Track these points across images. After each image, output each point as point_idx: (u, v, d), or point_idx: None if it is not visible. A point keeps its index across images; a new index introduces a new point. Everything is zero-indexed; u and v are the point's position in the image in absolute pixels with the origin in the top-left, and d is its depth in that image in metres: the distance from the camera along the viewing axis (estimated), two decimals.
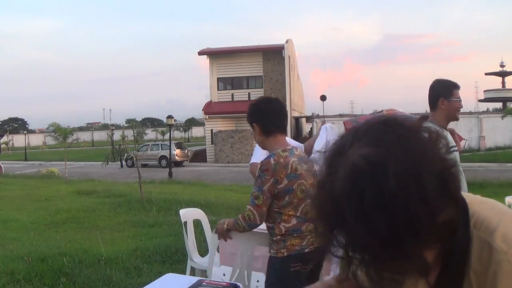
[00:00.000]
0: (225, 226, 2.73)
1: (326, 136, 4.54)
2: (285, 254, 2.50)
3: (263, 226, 2.68)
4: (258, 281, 3.38)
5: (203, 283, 2.10)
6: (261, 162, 2.58)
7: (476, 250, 0.82)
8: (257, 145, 4.17)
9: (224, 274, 3.56)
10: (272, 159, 2.49)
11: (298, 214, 2.52)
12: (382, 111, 3.19)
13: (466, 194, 0.90)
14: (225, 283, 2.10)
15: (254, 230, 2.72)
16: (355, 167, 0.73)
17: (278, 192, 2.49)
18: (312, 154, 4.56)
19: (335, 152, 0.78)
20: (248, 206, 2.56)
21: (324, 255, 0.80)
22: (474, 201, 0.88)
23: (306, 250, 2.49)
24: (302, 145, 4.52)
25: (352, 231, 0.73)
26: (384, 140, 0.74)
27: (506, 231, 0.81)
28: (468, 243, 0.83)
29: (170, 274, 3.04)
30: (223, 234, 2.78)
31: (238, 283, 2.16)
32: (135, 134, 14.79)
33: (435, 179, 0.73)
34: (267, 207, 2.51)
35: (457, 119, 3.10)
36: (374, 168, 0.71)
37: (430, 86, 3.09)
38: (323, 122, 4.78)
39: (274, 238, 2.55)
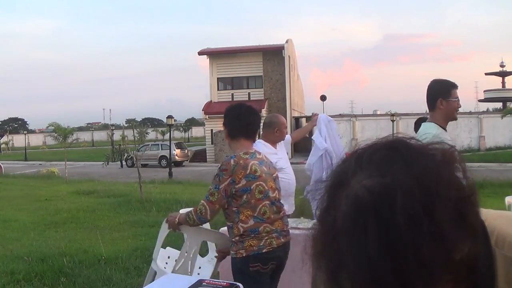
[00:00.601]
0: (176, 219, 2.86)
1: (325, 129, 4.53)
2: (244, 255, 2.60)
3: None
4: (200, 267, 3.46)
5: (203, 283, 2.09)
6: (222, 161, 2.72)
7: (502, 271, 0.76)
8: (259, 144, 4.18)
9: (168, 257, 3.69)
10: (232, 160, 2.62)
11: (255, 215, 2.61)
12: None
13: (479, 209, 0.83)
14: (225, 283, 2.10)
15: (203, 226, 2.91)
16: (358, 200, 0.63)
17: (236, 191, 2.59)
18: (312, 152, 4.59)
19: (336, 182, 0.69)
20: (202, 201, 2.66)
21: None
22: (491, 216, 0.80)
23: (264, 251, 2.59)
24: (289, 136, 4.53)
25: (353, 275, 0.64)
26: (390, 168, 0.64)
27: None
28: (492, 266, 0.75)
29: (170, 274, 3.04)
30: (174, 226, 2.92)
31: (238, 284, 2.16)
32: (137, 135, 14.78)
33: (451, 211, 0.63)
34: (220, 205, 2.62)
35: (455, 118, 3.10)
36: (380, 201, 0.62)
37: (428, 87, 3.09)
38: (315, 114, 4.76)
39: (233, 239, 2.65)
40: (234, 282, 2.18)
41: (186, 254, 3.24)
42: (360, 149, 0.70)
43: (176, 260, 3.30)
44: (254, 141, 2.92)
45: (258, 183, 2.62)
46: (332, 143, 4.48)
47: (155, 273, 3.33)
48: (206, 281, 2.13)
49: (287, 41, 33.53)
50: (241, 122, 2.86)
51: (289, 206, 4.26)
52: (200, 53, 35.04)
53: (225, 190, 2.59)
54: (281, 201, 2.84)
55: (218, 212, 2.68)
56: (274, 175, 2.80)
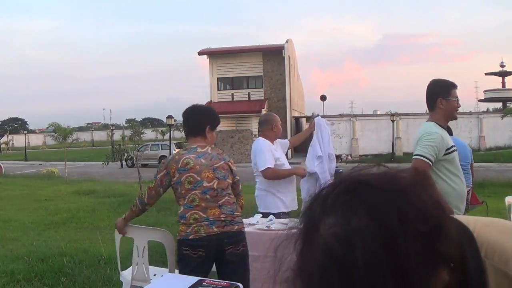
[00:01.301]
0: (123, 217, 3.27)
1: (320, 133, 4.52)
2: (178, 238, 2.91)
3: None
4: (155, 274, 3.50)
5: (203, 283, 2.09)
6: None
7: (493, 282, 0.75)
8: (262, 147, 4.21)
9: (154, 274, 3.58)
10: (171, 156, 3.11)
11: (185, 202, 2.90)
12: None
13: (468, 218, 0.83)
14: (225, 283, 2.10)
15: (149, 226, 3.10)
16: (329, 250, 0.63)
17: (173, 184, 2.96)
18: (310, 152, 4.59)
19: (307, 227, 0.68)
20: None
21: None
22: (480, 226, 0.80)
23: (190, 237, 2.82)
24: (287, 140, 4.56)
25: None
26: (352, 214, 0.63)
27: None
28: (483, 278, 0.75)
29: (170, 274, 3.04)
30: (121, 228, 3.32)
31: (238, 284, 2.16)
32: (133, 135, 14.80)
33: (419, 250, 0.62)
34: (155, 192, 3.01)
35: (455, 118, 3.11)
36: (345, 252, 0.61)
37: (428, 87, 3.10)
38: (312, 119, 4.76)
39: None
40: (234, 282, 2.18)
41: (138, 257, 3.34)
42: (325, 190, 0.69)
43: (136, 267, 3.39)
44: (204, 136, 3.09)
45: (188, 174, 2.90)
46: (324, 148, 4.49)
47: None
48: (206, 281, 2.13)
49: (287, 41, 33.53)
50: (187, 124, 3.17)
51: (290, 202, 4.29)
52: (200, 53, 35.04)
53: (161, 180, 2.98)
54: (223, 190, 2.95)
55: (155, 197, 3.04)
56: (216, 165, 2.98)
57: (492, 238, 0.77)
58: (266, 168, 4.12)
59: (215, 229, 2.83)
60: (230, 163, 3.08)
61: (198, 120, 3.12)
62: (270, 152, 4.21)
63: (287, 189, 4.28)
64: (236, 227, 2.91)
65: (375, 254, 0.60)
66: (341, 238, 0.62)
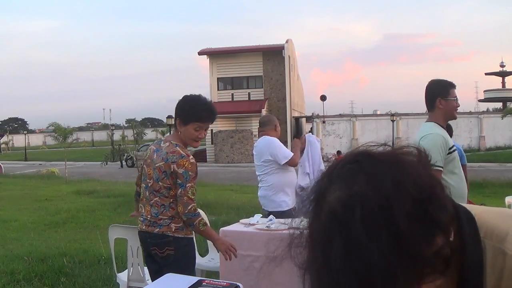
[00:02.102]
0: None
1: (310, 150, 4.56)
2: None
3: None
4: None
5: (203, 283, 2.10)
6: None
7: (490, 261, 0.81)
8: (274, 141, 4.26)
9: None
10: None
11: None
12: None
13: (471, 205, 0.88)
14: (225, 283, 2.10)
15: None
16: (332, 213, 0.70)
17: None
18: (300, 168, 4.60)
19: (317, 195, 0.75)
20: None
21: None
22: (481, 211, 0.86)
23: (139, 231, 2.91)
24: (291, 155, 4.34)
25: (322, 283, 0.70)
26: (354, 180, 0.71)
27: None
28: (480, 256, 0.81)
29: (170, 274, 3.04)
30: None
31: (238, 284, 2.16)
32: (135, 135, 14.82)
33: (411, 212, 0.68)
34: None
35: (455, 117, 3.11)
36: (346, 213, 0.69)
37: (427, 87, 3.11)
38: (305, 133, 4.83)
39: None
40: (234, 282, 2.18)
41: (133, 258, 3.35)
42: (332, 164, 0.77)
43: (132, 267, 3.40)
44: (176, 129, 2.87)
45: (143, 164, 2.98)
46: (314, 166, 4.51)
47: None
48: (206, 281, 2.13)
49: (287, 41, 33.54)
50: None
51: (292, 200, 4.30)
52: (200, 53, 35.05)
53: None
54: (155, 191, 2.82)
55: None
56: (157, 165, 2.78)
57: (491, 221, 0.83)
58: (292, 156, 4.18)
59: (143, 227, 2.85)
60: (174, 165, 2.70)
61: (175, 112, 2.93)
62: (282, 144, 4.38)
63: (294, 184, 4.35)
64: (158, 229, 2.77)
65: (372, 214, 0.68)
66: (342, 201, 0.70)
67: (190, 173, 2.68)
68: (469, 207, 0.87)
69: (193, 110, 2.72)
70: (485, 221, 0.83)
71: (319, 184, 0.76)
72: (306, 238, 0.75)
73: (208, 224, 2.82)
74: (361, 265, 0.67)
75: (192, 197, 2.68)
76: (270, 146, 4.26)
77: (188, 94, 2.85)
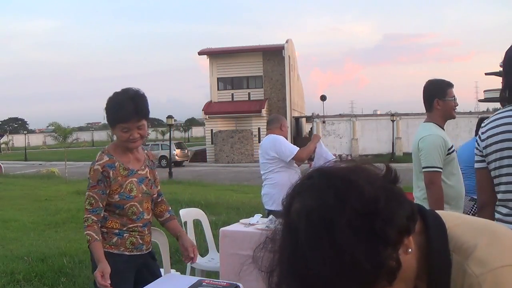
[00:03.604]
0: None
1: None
2: None
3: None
4: None
5: (203, 283, 2.10)
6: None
7: (454, 275, 0.82)
8: (279, 138, 4.25)
9: None
10: None
11: None
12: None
13: (451, 214, 0.89)
14: (225, 283, 2.10)
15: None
16: (288, 222, 0.79)
17: None
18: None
19: (283, 210, 0.83)
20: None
21: None
22: (456, 224, 0.87)
23: None
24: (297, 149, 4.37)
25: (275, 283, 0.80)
26: (305, 195, 0.79)
27: (481, 255, 0.80)
28: (446, 269, 0.82)
29: (171, 274, 3.05)
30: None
31: (238, 283, 2.16)
32: None
33: (353, 224, 0.73)
34: None
35: (453, 117, 3.11)
36: (296, 222, 0.76)
37: (424, 88, 3.10)
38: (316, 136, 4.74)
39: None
40: (234, 282, 2.18)
41: None
42: (297, 180, 0.85)
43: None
44: None
45: None
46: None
47: None
48: (206, 281, 2.13)
49: (287, 41, 33.53)
50: None
51: None
52: (200, 53, 35.04)
53: None
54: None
55: None
56: None
57: (462, 235, 0.84)
58: (298, 151, 4.20)
59: None
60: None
61: None
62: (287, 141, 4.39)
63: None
64: None
65: (315, 224, 0.75)
66: (296, 212, 0.78)
67: (90, 180, 2.41)
68: (448, 217, 0.88)
69: (111, 111, 2.40)
70: (456, 235, 0.84)
71: (286, 198, 0.83)
72: (270, 243, 0.83)
73: (96, 241, 2.32)
74: (303, 270, 0.74)
75: (88, 207, 2.37)
76: (275, 143, 4.27)
77: (118, 90, 2.47)
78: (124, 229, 2.43)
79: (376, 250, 0.74)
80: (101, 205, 2.38)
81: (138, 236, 2.47)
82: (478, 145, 2.23)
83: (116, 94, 2.42)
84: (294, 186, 0.83)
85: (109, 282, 2.18)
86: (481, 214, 2.30)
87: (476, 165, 2.25)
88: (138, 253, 2.48)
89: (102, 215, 2.39)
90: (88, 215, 2.36)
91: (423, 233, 0.85)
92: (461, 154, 4.48)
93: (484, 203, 2.26)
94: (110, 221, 2.43)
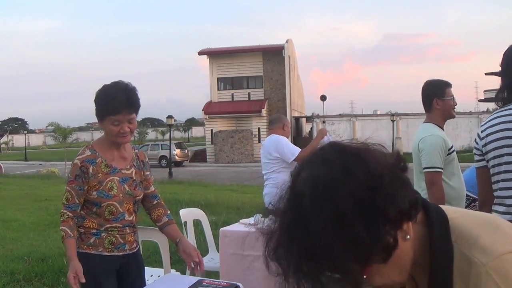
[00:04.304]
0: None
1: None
2: None
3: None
4: (151, 275, 3.49)
5: (203, 283, 2.10)
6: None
7: (458, 266, 0.83)
8: (281, 139, 4.25)
9: (151, 275, 3.55)
10: None
11: None
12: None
13: (451, 210, 0.90)
14: (225, 283, 2.10)
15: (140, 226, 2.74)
16: (293, 188, 0.83)
17: None
18: None
19: (291, 177, 0.87)
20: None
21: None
22: (458, 215, 0.88)
23: None
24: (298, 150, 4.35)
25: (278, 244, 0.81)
26: (314, 164, 0.83)
27: (485, 243, 0.81)
28: (448, 255, 0.83)
29: (171, 274, 3.05)
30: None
31: (238, 283, 2.16)
32: (137, 135, 14.81)
33: (356, 196, 0.76)
34: None
35: (453, 116, 3.11)
36: (302, 189, 0.80)
37: (422, 88, 3.11)
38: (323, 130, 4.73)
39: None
40: (234, 282, 2.18)
41: None
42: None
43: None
44: None
45: None
46: None
47: None
48: (206, 281, 2.13)
49: (287, 41, 33.53)
50: None
51: None
52: (200, 53, 35.04)
53: None
54: None
55: None
56: None
57: (464, 226, 0.86)
58: (300, 152, 4.19)
59: None
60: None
61: None
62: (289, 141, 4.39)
63: None
64: None
65: (319, 192, 0.77)
66: (302, 180, 0.81)
67: (69, 175, 2.35)
68: (449, 210, 0.89)
69: (101, 102, 2.29)
70: (459, 225, 0.86)
71: (296, 167, 0.87)
72: (274, 209, 0.85)
73: (70, 237, 2.23)
74: (303, 235, 0.77)
75: (65, 202, 2.31)
76: (277, 144, 4.27)
77: (105, 84, 2.37)
78: (102, 229, 2.31)
79: (375, 223, 0.76)
80: (77, 201, 2.29)
81: (118, 235, 2.34)
82: (477, 143, 2.24)
83: (106, 86, 2.33)
84: (309, 157, 0.86)
85: (84, 280, 2.09)
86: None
87: (476, 165, 2.26)
88: (120, 253, 2.35)
89: (78, 211, 2.30)
90: (64, 211, 2.29)
91: (425, 225, 0.86)
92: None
93: (484, 202, 2.27)
94: (88, 221, 2.33)
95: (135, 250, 2.46)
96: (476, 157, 2.24)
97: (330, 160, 0.81)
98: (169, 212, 2.60)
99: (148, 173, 2.52)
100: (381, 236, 0.77)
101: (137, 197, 2.42)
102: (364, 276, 0.80)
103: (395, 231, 0.79)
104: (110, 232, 2.33)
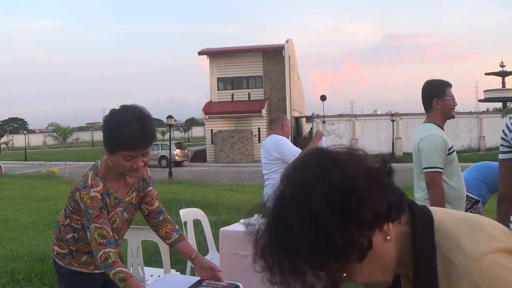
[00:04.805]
0: None
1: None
2: None
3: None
4: (151, 275, 3.49)
5: (203, 283, 2.09)
6: None
7: (442, 267, 0.83)
8: (282, 139, 4.23)
9: (151, 275, 3.56)
10: None
11: None
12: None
13: (439, 211, 0.91)
14: (225, 283, 2.10)
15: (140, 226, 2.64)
16: (279, 189, 0.87)
17: None
18: None
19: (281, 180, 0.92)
20: None
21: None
22: (443, 217, 0.89)
23: None
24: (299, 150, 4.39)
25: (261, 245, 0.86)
26: (298, 167, 0.87)
27: (465, 245, 0.81)
28: (430, 258, 0.84)
29: (171, 273, 3.05)
30: None
31: (238, 283, 2.16)
32: None
33: (331, 198, 0.79)
34: None
35: (453, 116, 3.11)
36: (283, 190, 0.85)
37: (422, 88, 3.10)
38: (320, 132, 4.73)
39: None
40: (234, 282, 2.18)
41: (133, 257, 3.32)
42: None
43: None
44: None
45: None
46: None
47: None
48: (206, 281, 2.13)
49: (287, 41, 33.53)
50: None
51: None
52: (200, 53, 35.04)
53: None
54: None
55: None
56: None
57: (447, 227, 0.86)
58: (300, 153, 4.19)
59: None
60: (78, 194, 2.10)
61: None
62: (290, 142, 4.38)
63: None
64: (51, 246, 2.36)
65: (297, 193, 0.82)
66: (285, 183, 0.86)
67: (90, 210, 2.02)
68: (436, 211, 0.90)
69: (112, 135, 2.00)
70: (443, 226, 0.87)
71: (283, 172, 0.91)
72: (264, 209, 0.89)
73: (131, 278, 1.98)
74: (284, 236, 0.81)
75: (102, 240, 2.00)
76: (277, 144, 4.27)
77: (118, 107, 2.06)
78: (91, 252, 2.12)
79: (348, 226, 0.78)
80: (111, 234, 2.05)
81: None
82: (506, 135, 2.22)
83: (116, 113, 2.02)
84: (293, 162, 0.92)
85: None
86: (500, 208, 2.29)
87: (501, 156, 2.23)
88: None
89: (118, 244, 2.13)
90: (107, 250, 1.98)
91: (409, 224, 0.88)
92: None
93: (504, 195, 2.24)
94: (80, 244, 2.20)
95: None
96: (504, 149, 2.22)
97: (309, 163, 0.85)
98: (177, 227, 2.39)
99: (150, 188, 2.31)
100: (353, 237, 0.79)
101: (133, 219, 2.32)
102: (344, 274, 0.83)
103: (369, 233, 0.81)
104: None
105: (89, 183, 2.07)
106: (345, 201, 0.79)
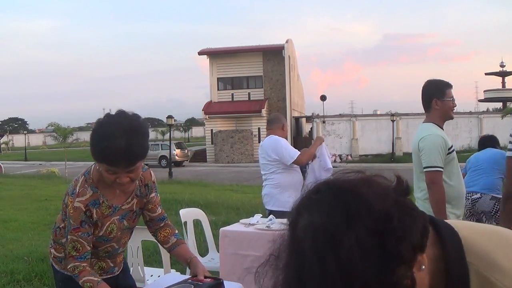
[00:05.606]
0: None
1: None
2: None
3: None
4: (151, 275, 3.50)
5: (189, 280, 2.07)
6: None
7: (475, 286, 0.79)
8: (280, 141, 4.22)
9: (151, 275, 3.57)
10: None
11: None
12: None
13: (461, 223, 0.87)
14: (209, 280, 2.07)
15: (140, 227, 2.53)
16: (295, 238, 0.75)
17: None
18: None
19: (289, 225, 0.79)
20: None
21: None
22: (470, 232, 0.84)
23: None
24: (297, 152, 4.36)
25: None
26: (313, 210, 0.74)
27: (502, 263, 0.78)
28: (466, 281, 0.79)
29: (171, 274, 3.05)
30: None
31: (220, 278, 2.14)
32: None
33: (362, 241, 0.68)
34: None
35: (452, 118, 3.11)
36: (304, 239, 0.72)
37: (423, 88, 3.10)
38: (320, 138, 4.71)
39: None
40: (234, 282, 2.17)
41: (133, 257, 3.32)
42: (302, 194, 0.79)
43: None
44: None
45: None
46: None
47: None
48: (193, 278, 2.10)
49: (287, 41, 33.53)
50: None
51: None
52: (200, 53, 35.04)
53: None
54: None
55: None
56: None
57: (479, 245, 0.81)
58: (299, 155, 4.18)
59: None
60: (66, 199, 2.10)
61: None
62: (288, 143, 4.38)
63: (298, 184, 4.28)
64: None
65: (320, 243, 0.69)
66: (303, 229, 0.72)
67: (71, 221, 1.95)
68: (458, 226, 0.85)
69: (95, 146, 1.86)
70: (473, 245, 0.81)
71: (292, 213, 0.78)
72: (278, 258, 0.78)
73: (100, 283, 1.90)
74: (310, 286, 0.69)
75: (74, 253, 1.93)
76: (276, 146, 4.25)
77: (114, 112, 1.92)
78: (93, 257, 2.09)
79: (389, 270, 0.69)
80: (89, 248, 1.96)
81: (109, 260, 2.17)
82: None
83: (105, 122, 1.87)
84: (300, 200, 0.78)
85: None
86: (507, 205, 2.28)
87: (509, 154, 2.22)
88: (109, 276, 2.17)
89: (90, 257, 2.00)
90: (77, 263, 1.92)
91: (436, 245, 0.81)
92: (482, 153, 4.53)
93: (511, 193, 2.23)
94: None
95: (122, 267, 2.31)
96: (511, 146, 2.22)
97: (329, 205, 0.73)
98: (177, 231, 2.31)
99: (153, 194, 2.20)
100: (397, 281, 0.70)
101: (135, 226, 2.25)
102: None
103: (411, 271, 0.72)
104: (101, 258, 2.15)
105: (77, 190, 1.97)
106: (381, 244, 0.69)
